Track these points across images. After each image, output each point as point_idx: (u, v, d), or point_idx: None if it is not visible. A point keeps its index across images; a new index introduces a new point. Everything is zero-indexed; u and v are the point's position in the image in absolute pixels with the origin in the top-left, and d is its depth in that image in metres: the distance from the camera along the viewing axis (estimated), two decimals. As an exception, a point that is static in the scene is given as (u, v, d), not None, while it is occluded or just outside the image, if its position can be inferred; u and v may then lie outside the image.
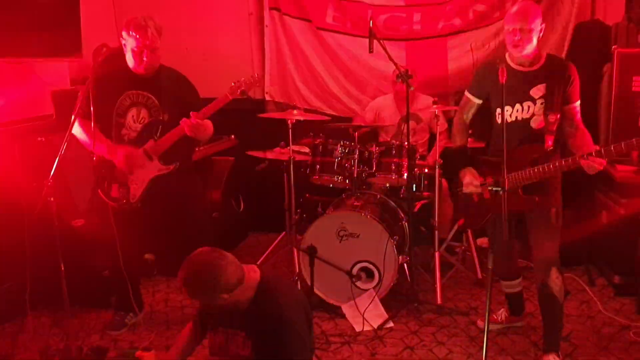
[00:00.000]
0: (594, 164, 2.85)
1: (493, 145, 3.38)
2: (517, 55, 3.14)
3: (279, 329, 2.37)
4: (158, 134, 3.47)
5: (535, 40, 3.10)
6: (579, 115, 3.16)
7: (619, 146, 2.80)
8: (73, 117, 3.19)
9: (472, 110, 3.44)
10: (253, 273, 2.50)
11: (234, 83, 3.36)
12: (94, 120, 3.23)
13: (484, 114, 3.40)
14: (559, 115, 3.12)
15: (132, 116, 3.50)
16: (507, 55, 3.23)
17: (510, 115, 3.19)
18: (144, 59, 3.36)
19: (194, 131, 3.36)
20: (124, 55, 3.44)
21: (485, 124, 3.41)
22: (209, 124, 3.52)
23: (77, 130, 3.47)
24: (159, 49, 3.42)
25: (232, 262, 2.42)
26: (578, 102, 3.16)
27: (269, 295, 2.44)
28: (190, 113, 3.34)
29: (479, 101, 3.40)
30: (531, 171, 3.06)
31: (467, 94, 3.44)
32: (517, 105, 3.17)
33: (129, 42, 3.35)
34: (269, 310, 2.40)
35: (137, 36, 3.30)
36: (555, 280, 3.14)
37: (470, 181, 3.29)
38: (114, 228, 3.46)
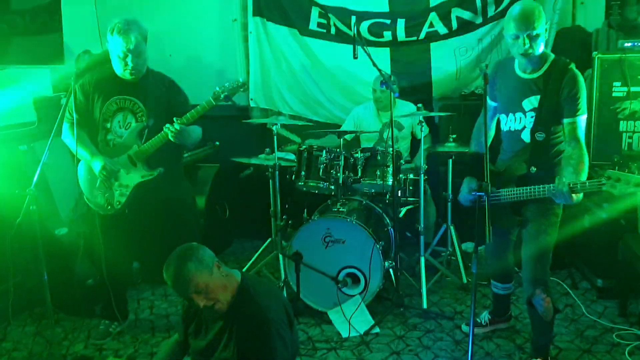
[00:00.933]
0: (566, 197, 2.73)
1: (500, 153, 3.27)
2: (527, 62, 2.96)
3: (260, 329, 2.38)
4: (143, 140, 3.45)
5: (544, 44, 2.91)
6: (578, 132, 2.90)
7: (583, 185, 2.72)
8: (56, 124, 3.18)
9: (490, 114, 3.24)
10: (234, 275, 2.51)
11: (218, 88, 3.35)
12: (81, 126, 3.24)
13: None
14: (550, 130, 2.96)
15: (118, 121, 3.47)
16: (516, 58, 3.05)
17: (505, 124, 3.11)
18: (129, 63, 3.33)
19: (177, 137, 3.33)
20: (109, 61, 3.42)
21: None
22: (196, 129, 3.50)
23: (67, 137, 3.46)
24: (145, 53, 3.39)
25: (211, 253, 2.46)
26: (580, 118, 2.90)
27: (249, 296, 2.45)
28: (174, 119, 3.32)
29: (495, 104, 3.23)
30: (515, 191, 2.97)
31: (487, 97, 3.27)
32: (511, 115, 3.07)
33: (114, 47, 3.33)
34: (250, 311, 2.41)
35: (122, 41, 3.28)
36: (540, 301, 3.06)
37: (463, 194, 3.23)
38: (100, 235, 3.43)
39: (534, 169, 2.98)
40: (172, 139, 3.33)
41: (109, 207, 3.47)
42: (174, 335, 2.75)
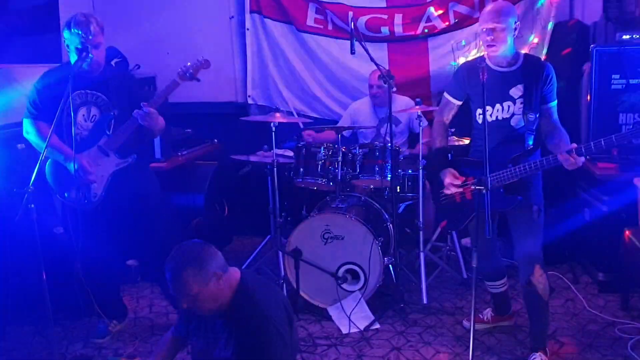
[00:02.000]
0: (574, 161, 2.84)
1: (473, 146, 3.38)
2: (492, 55, 3.14)
3: (259, 327, 2.37)
4: (111, 129, 3.45)
5: (510, 40, 3.09)
6: (555, 115, 3.16)
7: (599, 143, 2.80)
8: (53, 122, 3.15)
9: (452, 112, 3.43)
10: (233, 273, 2.50)
11: (182, 68, 3.35)
12: (45, 122, 3.28)
13: (466, 111, 3.39)
14: (537, 114, 3.14)
15: (83, 115, 3.47)
16: (486, 55, 3.20)
17: (491, 115, 3.18)
18: (89, 55, 3.31)
19: (147, 120, 3.33)
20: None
21: (467, 122, 3.41)
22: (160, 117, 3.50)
23: (30, 134, 3.48)
24: (103, 46, 3.41)
25: (216, 250, 2.46)
26: (554, 102, 3.17)
27: (249, 295, 2.44)
28: (142, 103, 3.31)
29: (458, 102, 3.38)
30: (513, 170, 3.04)
31: (446, 95, 3.42)
32: (497, 105, 3.17)
33: (73, 41, 3.31)
34: (249, 310, 2.40)
35: (80, 32, 3.27)
36: (538, 278, 3.12)
37: (451, 182, 3.25)
38: (78, 230, 3.40)
39: (530, 146, 3.14)
40: (142, 122, 3.33)
41: (86, 201, 3.45)
42: (170, 330, 2.74)
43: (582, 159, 2.86)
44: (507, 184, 3.09)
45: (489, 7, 3.16)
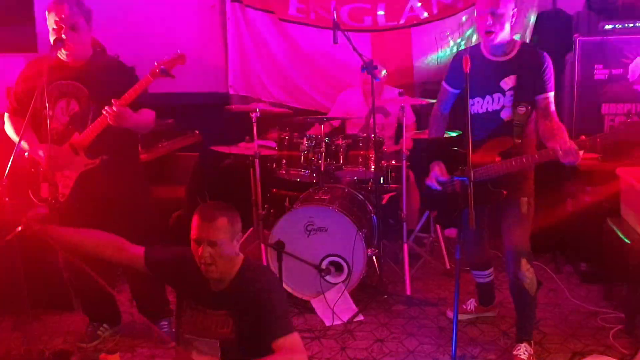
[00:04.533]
0: (575, 155, 2.78)
1: (465, 136, 3.33)
2: (490, 44, 3.06)
3: (263, 305, 2.36)
4: (86, 127, 3.20)
5: (507, 27, 3.01)
6: (552, 107, 3.06)
7: (601, 137, 2.79)
8: (28, 114, 3.03)
9: (450, 101, 3.35)
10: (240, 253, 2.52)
11: (156, 63, 3.11)
12: (21, 116, 3.07)
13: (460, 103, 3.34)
14: (529, 107, 3.05)
15: (62, 108, 3.24)
16: (481, 43, 3.16)
17: (481, 107, 3.14)
18: (63, 36, 3.07)
19: (116, 119, 3.05)
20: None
21: (460, 114, 3.36)
22: (146, 112, 3.28)
23: (8, 128, 3.31)
24: (85, 33, 3.17)
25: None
26: (552, 93, 3.07)
27: (252, 274, 2.46)
28: (112, 100, 3.05)
29: (455, 91, 3.30)
30: (501, 164, 3.00)
31: (443, 83, 3.35)
32: (488, 97, 3.11)
33: (50, 22, 3.10)
34: (253, 288, 2.40)
35: (54, 12, 3.06)
36: (525, 272, 3.07)
37: (434, 176, 3.22)
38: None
39: (519, 140, 3.05)
40: (110, 121, 3.07)
41: (54, 202, 3.16)
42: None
43: (581, 152, 2.81)
44: (493, 178, 3.04)
45: None
